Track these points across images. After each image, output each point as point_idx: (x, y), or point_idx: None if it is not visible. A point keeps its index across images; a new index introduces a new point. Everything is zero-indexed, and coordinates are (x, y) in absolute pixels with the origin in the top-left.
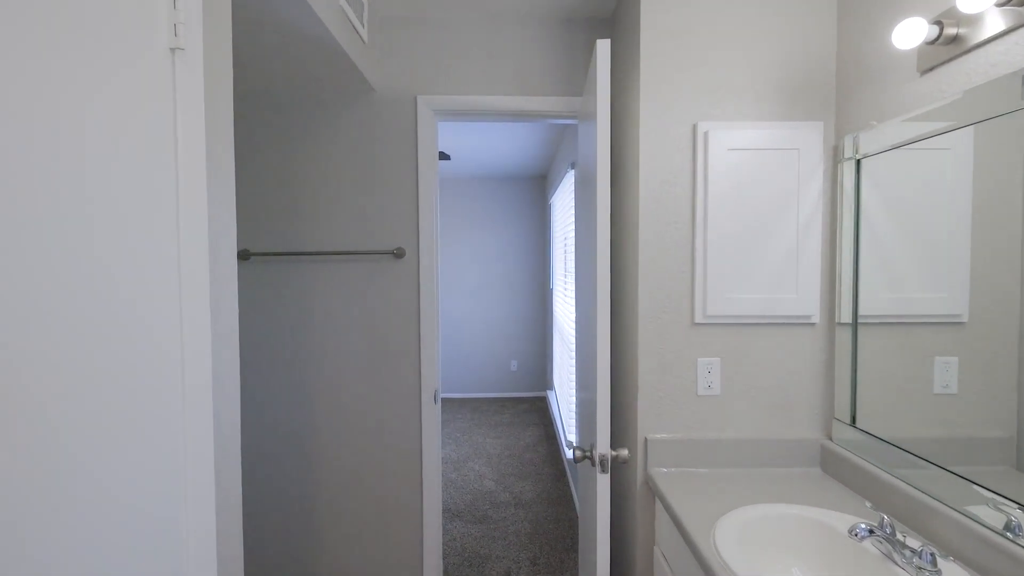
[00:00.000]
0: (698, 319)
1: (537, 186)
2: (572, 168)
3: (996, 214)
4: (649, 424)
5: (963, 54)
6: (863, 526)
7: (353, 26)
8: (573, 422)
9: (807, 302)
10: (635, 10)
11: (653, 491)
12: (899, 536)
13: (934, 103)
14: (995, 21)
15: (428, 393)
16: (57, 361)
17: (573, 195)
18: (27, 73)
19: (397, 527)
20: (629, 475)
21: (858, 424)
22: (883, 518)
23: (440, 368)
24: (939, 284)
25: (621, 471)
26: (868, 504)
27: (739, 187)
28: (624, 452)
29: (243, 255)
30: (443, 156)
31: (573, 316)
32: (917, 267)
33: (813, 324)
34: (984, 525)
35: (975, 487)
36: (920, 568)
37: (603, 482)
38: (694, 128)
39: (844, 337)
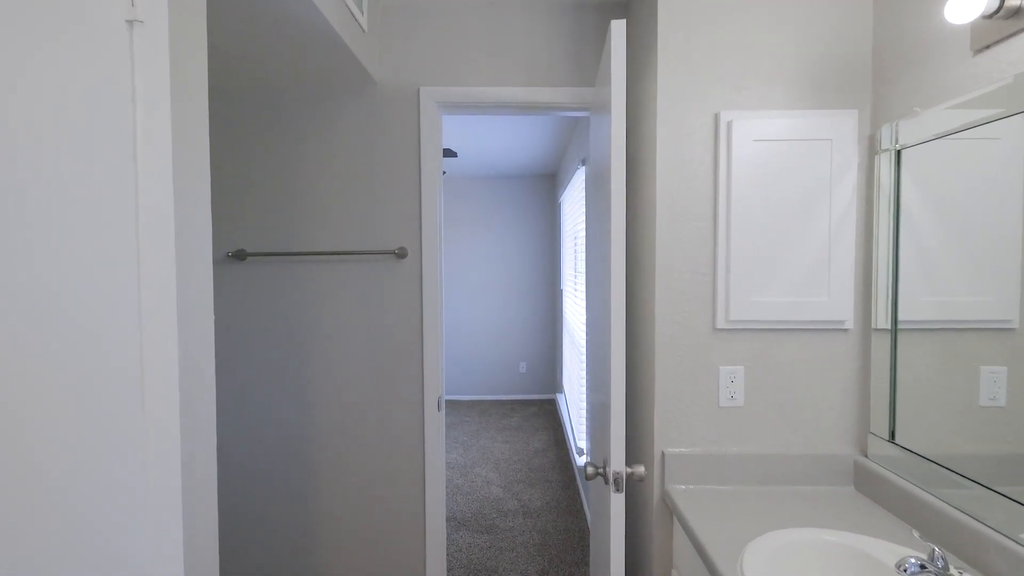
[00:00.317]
0: (720, 324)
1: (547, 184)
2: (583, 165)
3: None
4: (667, 437)
5: None
6: (913, 560)
7: (352, 14)
8: (583, 427)
9: (840, 306)
10: None
11: (671, 509)
12: (953, 572)
13: (988, 86)
14: None
15: (431, 400)
16: None
17: (584, 193)
18: None
19: (400, 538)
20: (645, 491)
21: (897, 439)
22: (934, 550)
23: (445, 372)
24: (986, 287)
25: (636, 487)
26: (916, 533)
27: (765, 181)
28: (640, 469)
29: (239, 255)
30: (450, 153)
31: (583, 318)
32: (962, 268)
33: (846, 330)
34: None
35: None
36: None
37: (617, 502)
38: (716, 118)
39: (881, 344)
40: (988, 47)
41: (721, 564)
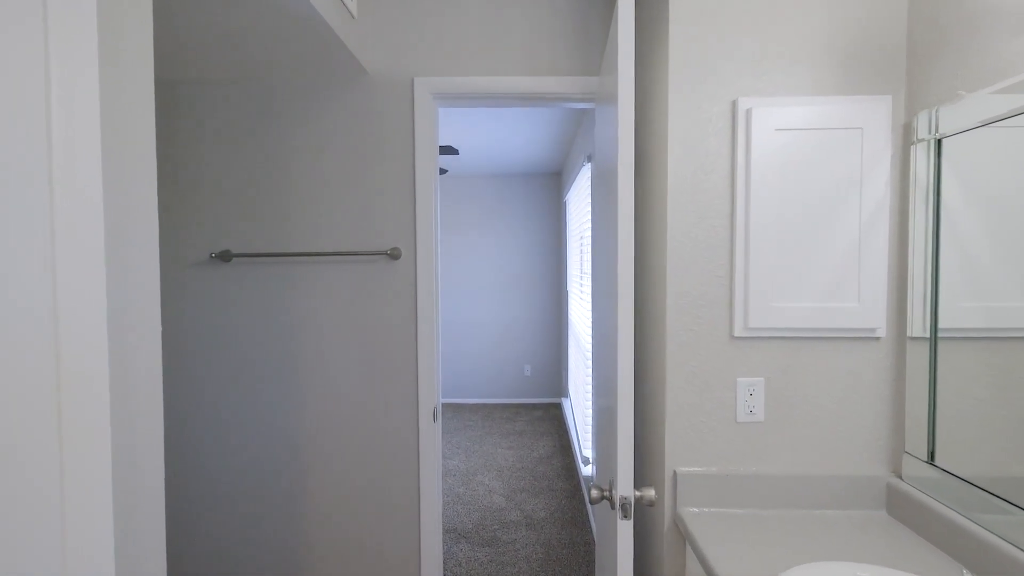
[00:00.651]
0: (738, 332)
1: (552, 183)
2: (588, 162)
3: None
4: (679, 455)
5: None
6: None
7: None
8: (589, 434)
9: (871, 312)
10: None
11: (683, 535)
12: None
13: None
14: None
15: (426, 411)
16: None
17: (589, 191)
18: None
19: (394, 556)
20: (654, 514)
21: (937, 461)
22: None
23: (446, 376)
24: None
25: (645, 509)
26: (966, 572)
27: (788, 175)
28: (650, 492)
29: (224, 256)
30: (451, 150)
31: (589, 321)
32: (1012, 271)
33: (878, 339)
34: None
35: None
36: None
37: (625, 530)
38: (734, 105)
39: (918, 354)
40: None
41: None
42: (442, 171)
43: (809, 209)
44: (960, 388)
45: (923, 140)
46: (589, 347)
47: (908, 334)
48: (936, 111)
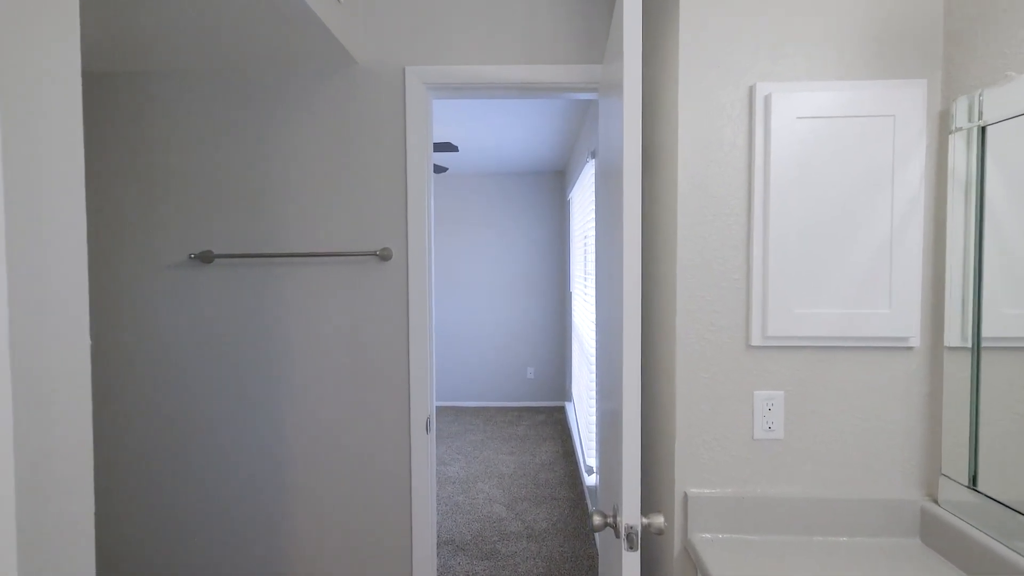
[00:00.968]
0: (755, 340)
1: (555, 182)
2: (592, 158)
3: None
4: (689, 475)
5: None
6: None
7: None
8: (593, 442)
9: (904, 319)
10: None
11: (694, 563)
12: None
13: None
14: None
15: (418, 421)
16: None
17: (593, 189)
18: None
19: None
20: (663, 540)
21: (980, 486)
22: None
23: (435, 388)
24: None
25: (652, 535)
26: None
27: (811, 167)
28: (659, 520)
29: (205, 257)
30: (450, 147)
31: (593, 322)
32: None
33: (910, 348)
34: None
35: None
36: None
37: (631, 561)
38: (751, 91)
39: (957, 366)
40: None
41: None
42: (443, 169)
43: (834, 205)
44: (1005, 404)
45: (961, 129)
46: (593, 350)
47: (945, 343)
48: (979, 95)
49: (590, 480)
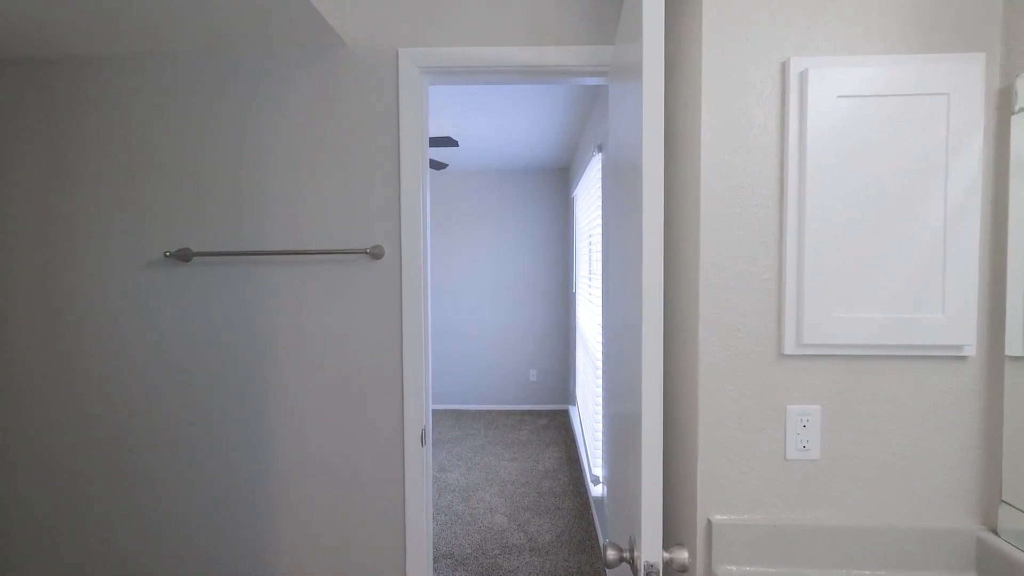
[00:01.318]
0: (788, 349)
1: (559, 180)
2: (598, 152)
3: None
4: (714, 500)
5: None
6: None
7: None
8: (598, 449)
9: (958, 325)
10: None
11: None
12: None
13: None
14: None
15: (413, 433)
16: None
17: (599, 185)
18: None
19: None
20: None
21: None
22: None
23: (430, 394)
24: None
25: (674, 572)
26: None
27: (853, 153)
28: (683, 556)
29: (183, 256)
30: (450, 142)
31: (599, 324)
32: None
33: (965, 358)
34: None
35: None
36: None
37: None
38: (784, 67)
39: (1019, 378)
40: None
41: None
42: (443, 165)
43: (879, 196)
44: None
45: None
46: (598, 353)
47: (1005, 352)
48: None
49: (596, 490)
